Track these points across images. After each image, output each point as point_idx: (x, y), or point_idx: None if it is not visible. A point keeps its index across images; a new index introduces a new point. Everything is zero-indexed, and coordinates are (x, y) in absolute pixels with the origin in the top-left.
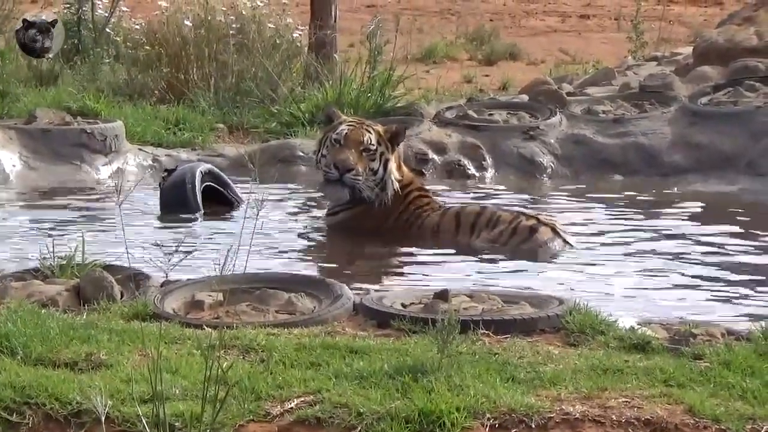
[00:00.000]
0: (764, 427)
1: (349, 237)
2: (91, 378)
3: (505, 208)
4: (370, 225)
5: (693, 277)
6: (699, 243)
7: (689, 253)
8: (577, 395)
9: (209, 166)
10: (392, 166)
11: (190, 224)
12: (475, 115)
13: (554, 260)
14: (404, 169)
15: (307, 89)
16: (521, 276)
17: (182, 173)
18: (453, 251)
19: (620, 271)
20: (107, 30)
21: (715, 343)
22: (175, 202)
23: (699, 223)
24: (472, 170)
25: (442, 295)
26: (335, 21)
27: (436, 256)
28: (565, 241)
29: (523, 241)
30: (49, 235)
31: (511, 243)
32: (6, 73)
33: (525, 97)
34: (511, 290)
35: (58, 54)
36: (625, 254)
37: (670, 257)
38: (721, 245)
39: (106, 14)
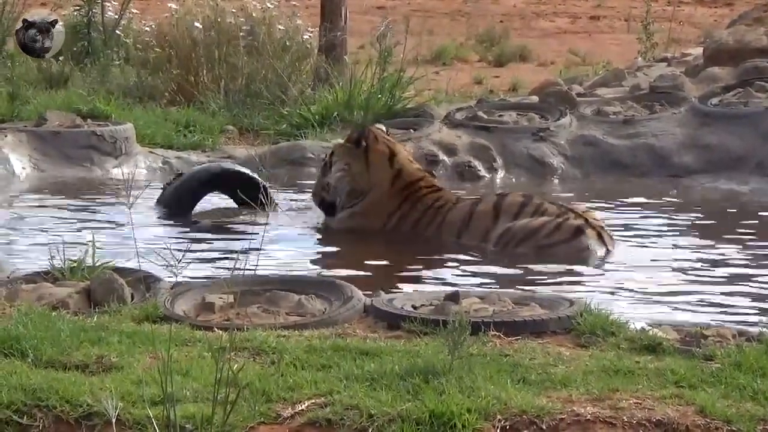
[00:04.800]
0: None
1: (359, 238)
2: (101, 380)
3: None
4: (371, 225)
5: (702, 277)
6: (708, 243)
7: (699, 254)
8: (588, 396)
9: (230, 167)
10: (341, 167)
11: (200, 227)
12: (485, 117)
13: (565, 261)
14: (409, 165)
15: (317, 91)
16: (532, 277)
17: (185, 173)
18: (463, 252)
19: (630, 271)
20: (117, 32)
21: (726, 345)
22: (163, 200)
23: (709, 224)
24: (482, 171)
25: (453, 297)
26: (345, 23)
27: (445, 257)
28: (607, 249)
29: (564, 240)
30: (60, 238)
31: (551, 239)
32: (16, 75)
33: (535, 99)
34: (521, 291)
35: (68, 56)
36: (634, 255)
37: (680, 258)
38: (731, 246)
39: (116, 16)
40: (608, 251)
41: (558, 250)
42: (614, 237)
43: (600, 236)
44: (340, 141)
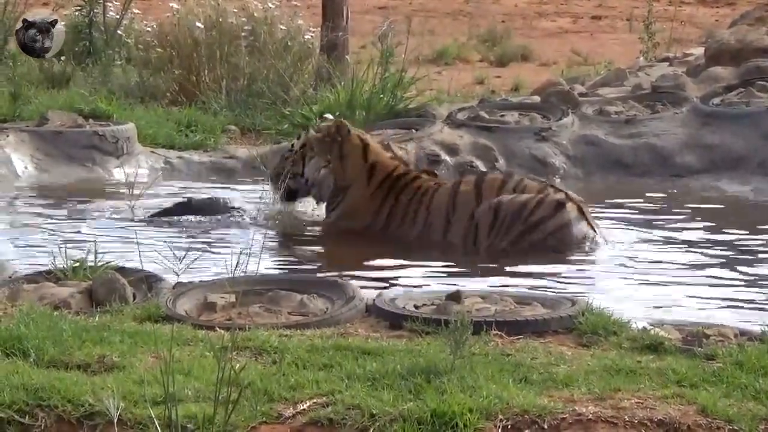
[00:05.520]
0: None
1: (361, 238)
2: (103, 380)
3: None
4: (359, 224)
5: (705, 277)
6: (710, 243)
7: (701, 254)
8: (589, 396)
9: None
10: (322, 162)
11: (201, 227)
12: (487, 117)
13: (566, 261)
14: (383, 156)
15: (318, 91)
16: (533, 276)
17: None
18: (464, 251)
19: (632, 271)
20: (119, 32)
21: (727, 344)
22: None
23: (710, 224)
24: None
25: (455, 296)
26: (347, 22)
27: (446, 257)
28: (590, 224)
29: (548, 216)
30: (61, 237)
31: (534, 216)
32: (18, 75)
33: (537, 98)
34: (523, 291)
35: (70, 56)
36: (637, 255)
37: (682, 257)
38: (732, 245)
39: (118, 16)
40: (590, 225)
41: (542, 227)
42: (614, 237)
43: (581, 210)
44: (313, 133)
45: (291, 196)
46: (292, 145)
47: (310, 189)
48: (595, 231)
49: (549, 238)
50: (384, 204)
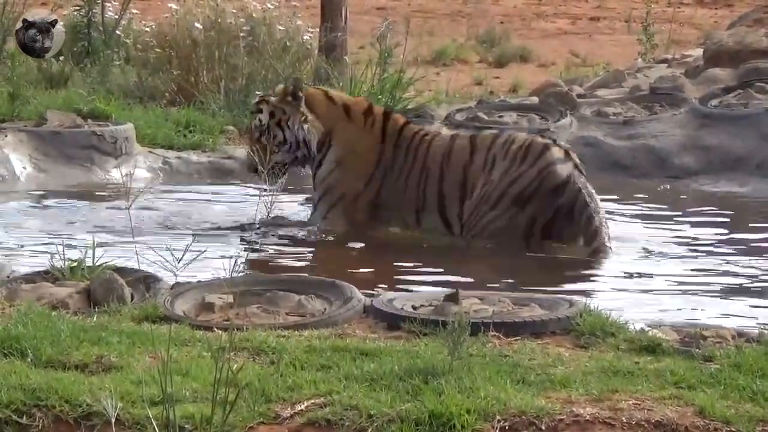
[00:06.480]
0: None
1: (360, 238)
2: (101, 380)
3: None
4: (358, 170)
5: (702, 277)
6: (709, 244)
7: (700, 254)
8: (587, 397)
9: None
10: (299, 119)
11: (200, 227)
12: (486, 117)
13: (565, 261)
14: (347, 96)
15: None
16: (533, 277)
17: None
18: (465, 249)
19: (631, 273)
20: (117, 32)
21: (725, 346)
22: None
23: (709, 225)
24: None
25: (453, 297)
26: (345, 23)
27: (446, 255)
28: (576, 166)
29: (535, 159)
30: (60, 238)
31: (524, 164)
32: (16, 75)
33: (535, 99)
34: (521, 292)
35: (68, 56)
36: (636, 256)
37: (680, 259)
38: (731, 246)
39: (116, 16)
40: (578, 168)
41: (527, 173)
42: (614, 239)
43: (567, 153)
44: (272, 99)
45: (281, 169)
46: (260, 121)
47: (297, 154)
48: (582, 173)
49: (533, 182)
50: (383, 151)
